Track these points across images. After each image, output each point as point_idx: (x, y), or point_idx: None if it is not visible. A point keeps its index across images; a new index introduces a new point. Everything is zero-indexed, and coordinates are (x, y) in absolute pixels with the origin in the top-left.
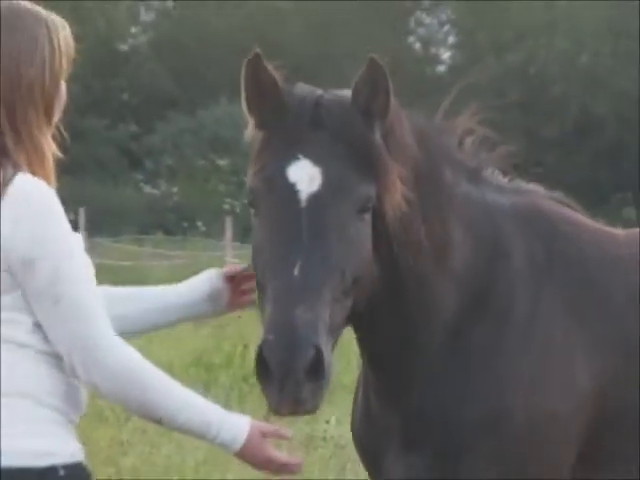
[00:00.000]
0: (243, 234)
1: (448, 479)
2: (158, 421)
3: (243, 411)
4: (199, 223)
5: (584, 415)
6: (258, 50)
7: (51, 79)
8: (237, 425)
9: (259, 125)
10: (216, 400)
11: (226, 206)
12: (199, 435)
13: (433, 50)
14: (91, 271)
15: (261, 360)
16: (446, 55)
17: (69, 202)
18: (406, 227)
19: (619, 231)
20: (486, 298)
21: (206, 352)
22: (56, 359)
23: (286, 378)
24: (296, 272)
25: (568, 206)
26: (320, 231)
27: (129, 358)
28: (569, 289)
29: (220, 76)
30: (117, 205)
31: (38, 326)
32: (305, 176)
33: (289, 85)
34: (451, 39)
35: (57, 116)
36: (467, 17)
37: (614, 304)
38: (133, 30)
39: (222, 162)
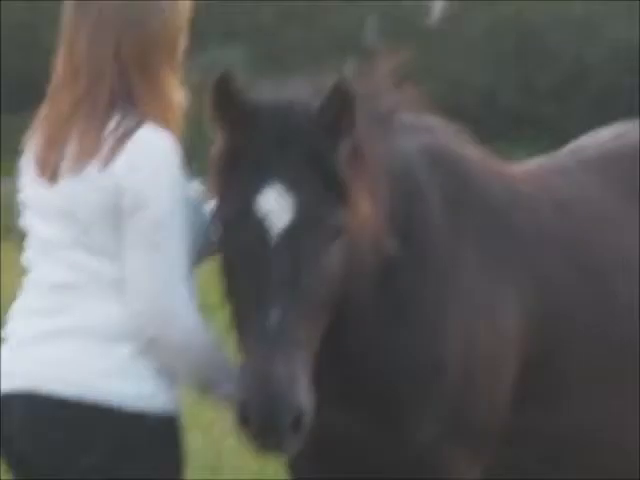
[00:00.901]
0: None
1: (387, 432)
2: (203, 387)
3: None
4: None
5: (515, 352)
6: (229, 69)
7: (174, 28)
8: None
9: (225, 141)
10: None
11: None
12: None
13: (424, 1)
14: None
15: (242, 417)
16: (438, 6)
17: None
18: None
19: (513, 167)
20: (409, 241)
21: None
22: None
23: (269, 436)
24: (272, 317)
25: (466, 140)
26: (295, 268)
27: (200, 324)
28: (482, 227)
29: None
30: None
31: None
32: (276, 207)
33: (256, 99)
34: None
35: (178, 63)
36: None
37: (524, 239)
38: None
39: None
